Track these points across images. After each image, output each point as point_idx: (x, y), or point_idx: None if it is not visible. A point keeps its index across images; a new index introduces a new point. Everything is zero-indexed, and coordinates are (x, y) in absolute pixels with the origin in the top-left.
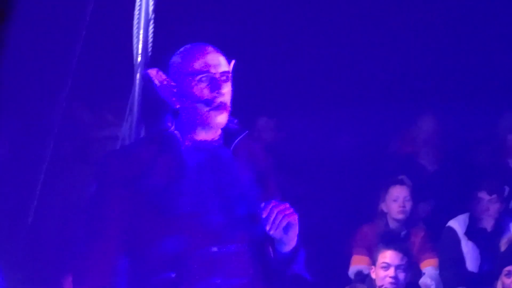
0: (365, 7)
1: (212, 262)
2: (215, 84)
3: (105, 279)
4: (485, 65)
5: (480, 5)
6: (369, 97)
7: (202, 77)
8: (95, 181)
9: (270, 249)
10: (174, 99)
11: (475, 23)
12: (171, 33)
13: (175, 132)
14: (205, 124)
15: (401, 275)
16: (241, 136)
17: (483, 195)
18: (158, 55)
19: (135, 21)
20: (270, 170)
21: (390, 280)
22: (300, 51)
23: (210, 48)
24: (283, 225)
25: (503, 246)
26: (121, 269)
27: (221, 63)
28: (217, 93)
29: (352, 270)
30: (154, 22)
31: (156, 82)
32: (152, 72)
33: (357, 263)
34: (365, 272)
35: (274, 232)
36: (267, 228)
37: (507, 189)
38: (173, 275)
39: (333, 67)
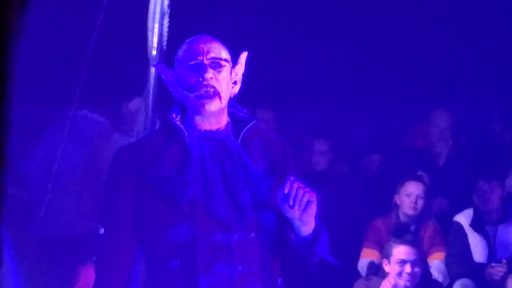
0: (378, 1)
1: (216, 250)
2: (199, 70)
3: (123, 270)
4: (498, 60)
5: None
6: (384, 91)
7: (190, 64)
8: (107, 174)
9: (293, 236)
10: (174, 90)
11: (486, 18)
12: (185, 27)
13: (178, 123)
14: (197, 112)
15: (417, 269)
16: (249, 125)
17: (482, 184)
18: (173, 49)
19: (150, 15)
20: (287, 159)
21: (407, 276)
22: (316, 46)
23: (204, 37)
24: (305, 201)
25: None
26: (137, 259)
27: (212, 50)
28: (202, 78)
29: (361, 263)
30: (169, 16)
31: (163, 76)
32: (158, 66)
33: (367, 256)
34: (376, 263)
35: (297, 208)
36: (290, 203)
37: None
38: (178, 263)
39: (350, 62)
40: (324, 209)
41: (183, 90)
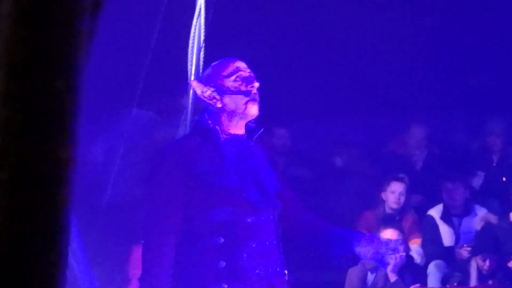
0: (363, 31)
1: (249, 229)
2: (249, 80)
3: (171, 251)
4: (464, 83)
5: (463, 25)
6: (372, 108)
7: (237, 76)
8: (157, 167)
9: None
10: (215, 100)
11: (459, 44)
12: (217, 59)
13: (217, 127)
14: (244, 114)
15: (400, 248)
16: (259, 132)
17: (449, 184)
18: None
19: (190, 49)
20: (273, 158)
21: (391, 252)
22: (316, 71)
23: (236, 59)
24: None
25: (478, 225)
26: (180, 238)
27: (247, 67)
28: (251, 86)
29: None
30: (204, 50)
31: (198, 91)
32: (194, 83)
33: None
34: None
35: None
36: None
37: (481, 174)
38: (222, 240)
39: (345, 83)
40: (326, 204)
41: (237, 95)
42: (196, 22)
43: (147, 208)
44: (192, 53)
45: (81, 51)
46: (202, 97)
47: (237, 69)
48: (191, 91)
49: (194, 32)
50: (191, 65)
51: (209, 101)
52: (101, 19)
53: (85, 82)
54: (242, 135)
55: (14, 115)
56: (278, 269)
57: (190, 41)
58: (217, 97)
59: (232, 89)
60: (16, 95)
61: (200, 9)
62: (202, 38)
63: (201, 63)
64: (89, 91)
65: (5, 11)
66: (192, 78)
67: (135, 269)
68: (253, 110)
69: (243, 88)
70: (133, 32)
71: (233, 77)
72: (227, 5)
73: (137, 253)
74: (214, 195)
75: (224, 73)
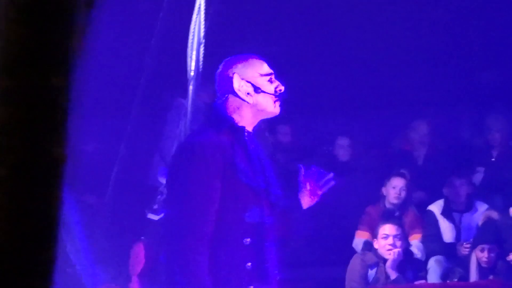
0: (365, 27)
1: (268, 229)
2: (274, 81)
3: (206, 252)
4: (467, 80)
5: (466, 21)
6: (374, 104)
7: (271, 77)
8: (196, 165)
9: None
10: (249, 96)
11: (460, 41)
12: (217, 55)
13: (242, 125)
14: (271, 113)
15: (398, 243)
16: (254, 130)
17: (453, 179)
18: (206, 71)
19: (189, 44)
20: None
21: (389, 247)
22: (323, 72)
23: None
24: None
25: (479, 220)
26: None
27: None
28: (280, 89)
29: (356, 242)
30: (204, 46)
31: (236, 84)
32: (236, 76)
33: (360, 237)
34: (370, 241)
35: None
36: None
37: (481, 170)
38: (249, 241)
39: (348, 80)
40: (329, 200)
41: (270, 94)
42: (196, 17)
43: (180, 208)
44: (192, 49)
45: (78, 48)
46: (237, 91)
47: (270, 70)
48: (190, 87)
49: (194, 28)
50: (191, 61)
51: (244, 96)
52: (100, 15)
53: (84, 79)
54: (251, 133)
55: (10, 112)
56: (276, 269)
57: (190, 37)
58: (252, 93)
59: (267, 88)
60: (12, 92)
61: (199, 4)
62: (202, 33)
63: (201, 58)
64: (88, 88)
65: (1, 9)
66: (192, 74)
67: (135, 266)
68: (278, 109)
69: (274, 89)
70: (133, 29)
71: (268, 77)
72: (226, 1)
73: (137, 250)
74: (249, 195)
75: (261, 72)
